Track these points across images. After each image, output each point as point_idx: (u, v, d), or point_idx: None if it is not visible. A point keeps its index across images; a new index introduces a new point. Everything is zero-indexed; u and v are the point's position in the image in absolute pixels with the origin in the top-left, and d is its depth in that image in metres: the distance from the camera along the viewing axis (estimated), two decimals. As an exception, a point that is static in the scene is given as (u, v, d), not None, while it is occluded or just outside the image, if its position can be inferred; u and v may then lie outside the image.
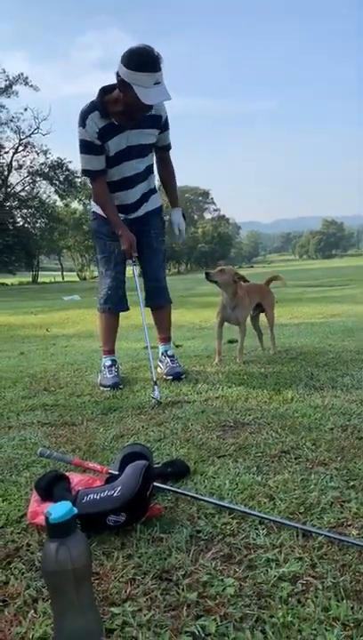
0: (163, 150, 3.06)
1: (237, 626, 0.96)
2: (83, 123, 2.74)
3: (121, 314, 3.22)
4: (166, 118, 2.91)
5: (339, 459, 1.70)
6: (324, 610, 0.99)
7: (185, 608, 1.01)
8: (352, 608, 0.99)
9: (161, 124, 2.89)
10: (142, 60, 2.51)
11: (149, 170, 3.06)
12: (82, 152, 2.82)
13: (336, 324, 5.51)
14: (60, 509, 0.91)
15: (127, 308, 3.18)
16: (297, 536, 1.24)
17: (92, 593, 0.98)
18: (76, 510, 0.94)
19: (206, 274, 3.30)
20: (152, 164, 3.08)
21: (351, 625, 0.95)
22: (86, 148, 2.79)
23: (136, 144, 2.85)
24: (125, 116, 2.71)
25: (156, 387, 2.65)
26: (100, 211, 3.04)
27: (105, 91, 2.72)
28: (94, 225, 3.14)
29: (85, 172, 2.90)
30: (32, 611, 1.03)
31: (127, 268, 3.19)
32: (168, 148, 3.07)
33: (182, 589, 1.07)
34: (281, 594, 1.04)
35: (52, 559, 0.89)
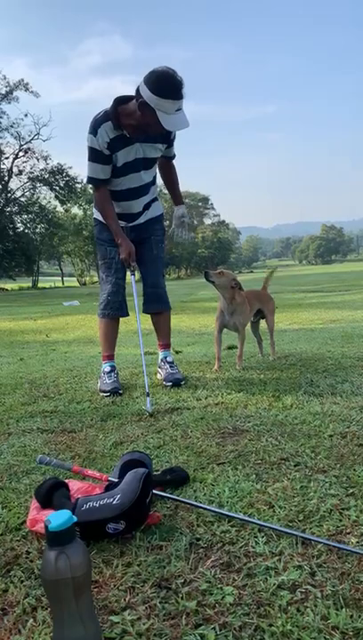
0: (167, 159, 3.12)
1: (236, 635, 0.96)
2: (94, 131, 2.74)
3: (121, 320, 3.23)
4: (175, 134, 2.96)
5: (338, 466, 1.70)
6: (323, 618, 0.99)
7: (184, 617, 1.01)
8: (352, 616, 0.99)
9: (170, 139, 2.94)
10: (168, 87, 2.53)
11: (154, 180, 3.11)
12: (90, 159, 2.83)
13: (336, 330, 5.51)
14: (59, 517, 0.91)
15: (127, 314, 3.20)
16: (296, 544, 1.24)
17: (92, 601, 0.98)
18: (75, 518, 0.94)
19: (206, 272, 3.30)
20: (156, 174, 3.12)
21: (351, 634, 0.95)
22: (94, 156, 2.80)
23: (144, 157, 2.87)
24: (139, 131, 2.74)
25: (148, 398, 2.64)
26: (101, 217, 3.06)
27: (120, 101, 2.72)
28: (96, 231, 3.17)
29: (90, 180, 2.92)
30: (31, 619, 1.03)
31: (127, 274, 3.21)
32: (173, 158, 3.14)
33: (181, 598, 1.07)
34: (280, 602, 1.04)
35: (52, 567, 0.89)
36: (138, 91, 2.59)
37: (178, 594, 1.08)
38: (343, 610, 1.00)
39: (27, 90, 37.38)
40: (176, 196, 3.28)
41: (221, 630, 0.97)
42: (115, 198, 2.98)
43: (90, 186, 3.05)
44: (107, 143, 2.75)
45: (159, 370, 3.27)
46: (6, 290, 37.05)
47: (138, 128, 2.72)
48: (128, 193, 2.97)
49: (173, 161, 3.16)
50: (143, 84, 2.56)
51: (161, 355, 3.28)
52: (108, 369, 3.11)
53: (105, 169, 2.84)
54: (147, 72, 2.58)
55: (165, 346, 3.32)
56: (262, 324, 3.83)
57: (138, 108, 2.62)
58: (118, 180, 2.91)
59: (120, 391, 2.93)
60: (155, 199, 3.17)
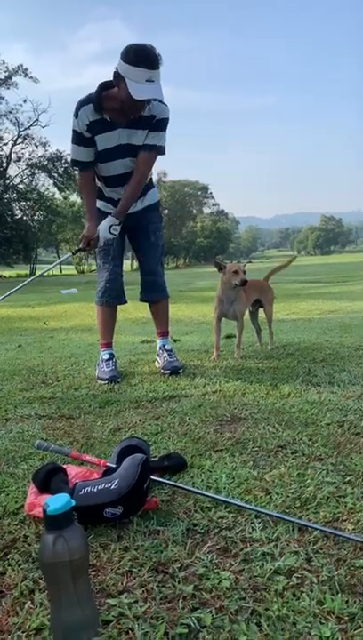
0: (143, 149, 2.82)
1: (232, 618, 0.96)
2: (76, 113, 2.75)
3: (118, 308, 3.22)
4: (161, 120, 2.77)
5: (335, 454, 1.71)
6: (319, 603, 0.99)
7: (181, 600, 1.02)
8: (347, 602, 0.99)
9: (151, 123, 2.76)
10: (139, 56, 2.51)
11: None
12: (72, 142, 2.84)
13: (334, 321, 5.51)
14: (58, 501, 0.92)
15: (125, 302, 3.19)
16: (293, 530, 1.25)
17: (89, 584, 0.98)
18: (74, 502, 0.94)
19: (243, 282, 3.20)
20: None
21: (346, 618, 0.95)
22: (75, 138, 2.82)
23: (126, 143, 2.80)
24: (119, 113, 2.70)
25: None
26: (97, 204, 3.05)
27: (104, 86, 2.71)
28: None
29: (73, 162, 2.94)
30: (29, 602, 1.04)
31: (125, 262, 3.19)
32: (149, 147, 2.82)
33: (178, 582, 1.07)
34: (276, 587, 1.04)
35: (50, 551, 0.90)
36: (116, 68, 2.58)
37: (175, 578, 1.09)
38: (339, 595, 1.01)
39: (26, 75, 37.01)
40: (120, 206, 2.89)
41: (217, 614, 0.98)
42: (108, 184, 2.98)
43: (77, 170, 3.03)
44: (86, 125, 2.75)
45: (157, 358, 3.27)
46: (4, 277, 36.94)
47: (119, 110, 2.68)
48: (117, 179, 2.93)
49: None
50: (119, 57, 2.56)
51: (159, 342, 3.28)
52: (106, 356, 3.11)
53: (87, 151, 2.83)
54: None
55: (164, 333, 3.31)
56: (261, 313, 3.82)
57: (115, 84, 2.61)
58: (104, 165, 2.89)
59: (118, 379, 2.93)
60: (150, 187, 3.14)
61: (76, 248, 3.10)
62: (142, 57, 2.51)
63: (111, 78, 2.64)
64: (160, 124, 2.80)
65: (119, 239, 3.07)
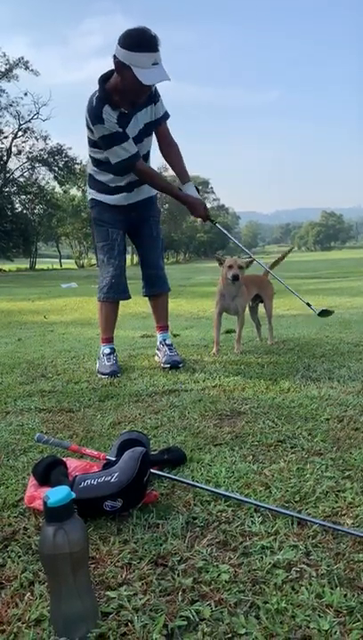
0: (161, 122, 2.91)
1: (231, 611, 0.97)
2: (100, 119, 2.66)
3: (119, 302, 3.22)
4: (156, 89, 2.82)
5: (335, 449, 1.71)
6: (317, 597, 1.00)
7: (180, 593, 1.02)
8: (345, 595, 1.00)
9: (152, 95, 2.79)
10: (140, 41, 2.47)
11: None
12: (114, 145, 2.72)
13: (334, 316, 5.51)
14: (58, 493, 0.92)
15: (130, 297, 3.17)
16: (292, 524, 1.25)
17: (89, 577, 0.99)
18: (74, 495, 0.94)
19: (235, 277, 3.21)
20: None
21: (344, 612, 0.96)
22: (115, 139, 2.71)
23: (143, 125, 2.82)
24: (128, 102, 2.68)
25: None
26: (100, 197, 3.02)
27: (105, 79, 2.67)
28: (95, 212, 3.09)
29: (128, 161, 2.77)
30: (29, 593, 1.04)
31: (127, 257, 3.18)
32: (165, 117, 2.92)
33: (178, 575, 1.08)
34: (276, 580, 1.05)
35: (50, 543, 0.90)
36: (114, 56, 2.54)
37: (174, 571, 1.09)
38: (338, 589, 1.01)
39: (27, 68, 36.82)
40: (182, 173, 3.03)
41: (216, 607, 0.98)
42: (123, 173, 2.91)
43: (131, 165, 2.83)
44: (116, 123, 2.69)
45: (158, 352, 3.27)
46: (4, 271, 36.89)
47: (127, 99, 2.66)
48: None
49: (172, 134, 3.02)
50: (117, 45, 2.51)
51: (159, 337, 3.28)
52: (107, 351, 3.11)
53: (130, 143, 2.75)
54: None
55: (164, 328, 3.31)
56: (261, 308, 3.82)
57: (116, 72, 2.57)
58: None
59: (119, 374, 2.93)
60: None
61: (212, 219, 3.07)
62: (144, 41, 2.47)
63: (110, 69, 2.62)
64: (158, 93, 2.85)
65: (123, 234, 3.06)
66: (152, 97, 2.81)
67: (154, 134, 2.96)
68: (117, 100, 2.67)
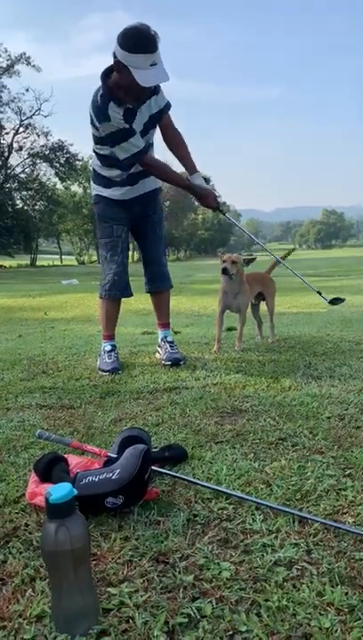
0: (164, 112, 2.89)
1: (232, 608, 0.97)
2: (106, 117, 2.64)
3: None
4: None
5: (336, 447, 1.71)
6: (318, 595, 1.00)
7: (181, 590, 1.02)
8: (346, 594, 1.00)
9: (153, 88, 2.76)
10: (138, 41, 2.44)
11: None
12: (122, 141, 2.70)
13: (335, 314, 5.51)
14: (60, 490, 0.92)
15: (131, 294, 3.16)
16: (293, 522, 1.25)
17: (90, 573, 0.99)
18: (76, 491, 0.94)
19: (223, 270, 3.21)
20: None
21: (345, 610, 0.96)
22: (123, 135, 2.69)
23: (147, 118, 2.81)
24: (132, 98, 2.66)
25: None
26: (104, 193, 3.00)
27: (107, 75, 2.65)
28: (99, 208, 3.07)
29: (136, 156, 2.77)
30: (30, 589, 1.04)
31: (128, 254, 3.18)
32: (168, 107, 2.90)
33: (179, 572, 1.08)
34: (277, 578, 1.05)
35: (52, 539, 0.90)
36: (114, 54, 2.52)
37: (175, 568, 1.09)
38: (339, 587, 1.02)
39: (28, 64, 36.81)
40: (189, 163, 3.00)
41: (217, 604, 0.98)
42: (129, 165, 2.88)
43: (140, 160, 2.84)
44: (122, 119, 2.67)
45: (159, 349, 3.26)
46: (4, 267, 36.87)
47: (129, 96, 2.64)
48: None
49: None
50: (116, 44, 2.49)
51: (161, 334, 3.28)
52: (108, 348, 3.11)
53: (138, 137, 2.74)
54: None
55: (165, 325, 3.31)
56: (263, 306, 3.82)
57: (117, 72, 2.56)
58: None
59: (120, 371, 2.93)
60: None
61: (221, 210, 3.08)
62: (142, 42, 2.44)
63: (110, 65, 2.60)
64: (158, 85, 2.80)
65: (127, 231, 3.05)
66: (152, 89, 2.76)
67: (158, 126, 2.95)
68: (121, 96, 2.65)
